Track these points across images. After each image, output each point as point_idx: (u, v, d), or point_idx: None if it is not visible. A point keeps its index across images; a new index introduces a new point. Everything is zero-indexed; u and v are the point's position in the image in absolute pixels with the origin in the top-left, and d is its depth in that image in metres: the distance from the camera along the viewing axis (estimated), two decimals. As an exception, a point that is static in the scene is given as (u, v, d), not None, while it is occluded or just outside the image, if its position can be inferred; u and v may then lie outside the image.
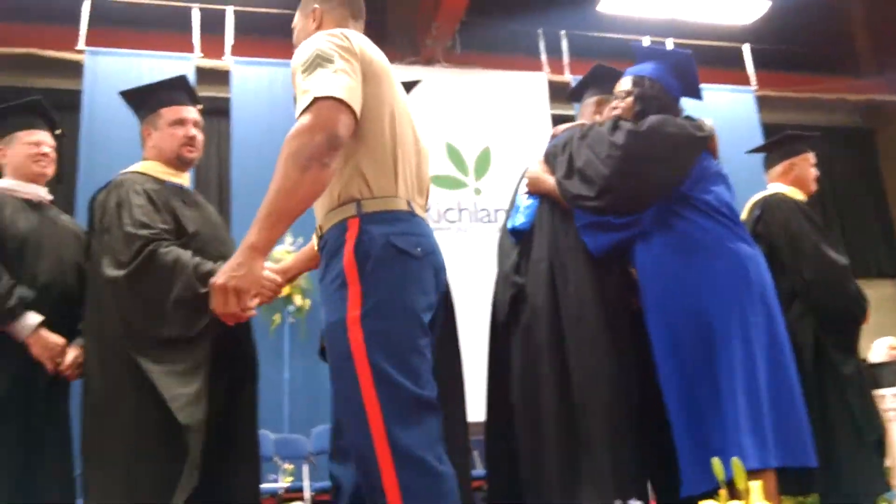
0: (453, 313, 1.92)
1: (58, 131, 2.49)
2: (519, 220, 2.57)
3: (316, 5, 1.92)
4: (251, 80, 6.64)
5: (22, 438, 2.14)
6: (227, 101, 6.66)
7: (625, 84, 2.55)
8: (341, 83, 1.57)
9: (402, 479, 1.44)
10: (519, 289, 2.41)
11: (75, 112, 6.37)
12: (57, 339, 2.19)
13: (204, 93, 6.66)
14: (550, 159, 2.58)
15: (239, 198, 6.21)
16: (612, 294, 2.34)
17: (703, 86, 2.59)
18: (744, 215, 3.01)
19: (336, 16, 1.90)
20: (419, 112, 2.57)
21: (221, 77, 6.70)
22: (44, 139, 2.41)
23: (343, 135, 1.56)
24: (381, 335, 1.54)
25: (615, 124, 2.42)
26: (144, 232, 2.05)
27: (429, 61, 7.16)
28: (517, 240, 2.54)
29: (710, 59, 7.20)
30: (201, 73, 6.55)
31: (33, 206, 2.37)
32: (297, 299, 5.85)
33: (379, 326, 1.54)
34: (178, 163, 2.31)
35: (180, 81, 2.39)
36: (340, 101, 1.56)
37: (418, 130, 1.81)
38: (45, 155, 2.39)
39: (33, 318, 2.15)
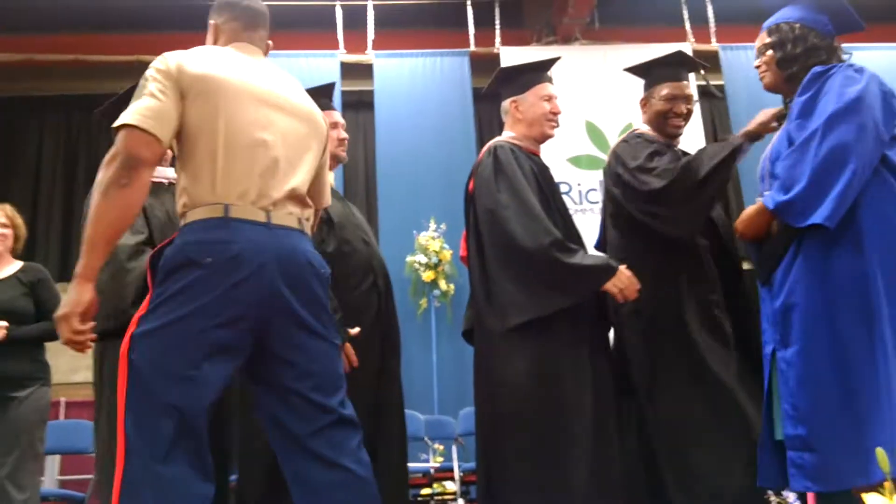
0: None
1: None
2: None
3: (212, 21, 1.99)
4: (392, 72, 6.81)
5: None
6: (370, 94, 6.86)
7: (760, 39, 2.23)
8: (141, 108, 1.66)
9: (126, 474, 1.51)
10: None
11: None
12: None
13: (348, 87, 6.92)
14: None
15: (384, 188, 6.41)
16: None
17: (864, 45, 2.31)
18: None
19: (228, 30, 1.95)
20: (559, 91, 2.57)
21: (365, 71, 6.91)
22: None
23: (139, 154, 1.64)
24: (149, 338, 1.59)
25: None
26: None
27: (566, 39, 7.04)
28: None
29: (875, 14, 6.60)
30: (345, 68, 6.80)
31: (165, 188, 2.54)
32: (442, 284, 5.97)
33: (149, 329, 1.60)
34: (333, 162, 2.46)
35: (328, 89, 2.55)
36: (133, 126, 1.64)
37: (298, 128, 1.83)
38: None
39: None
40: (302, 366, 1.67)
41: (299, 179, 1.78)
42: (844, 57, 2.12)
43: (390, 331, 2.38)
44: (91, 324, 1.64)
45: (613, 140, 6.64)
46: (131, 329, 1.62)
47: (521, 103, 2.49)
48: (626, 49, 6.84)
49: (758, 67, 2.22)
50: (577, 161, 6.55)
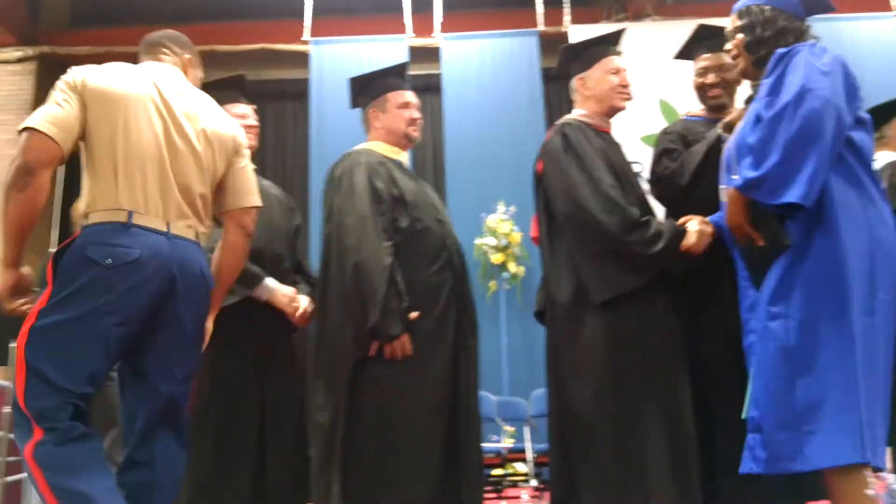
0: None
1: (254, 107, 2.75)
2: None
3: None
4: (460, 54, 6.80)
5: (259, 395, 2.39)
6: (438, 77, 6.87)
7: (731, 22, 2.14)
8: (44, 114, 1.79)
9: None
10: None
11: (304, 100, 6.91)
12: (289, 289, 2.44)
13: (416, 71, 6.95)
14: None
15: (453, 170, 6.43)
16: None
17: (840, 16, 2.16)
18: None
19: (142, 57, 2.11)
20: (631, 69, 2.53)
21: (432, 54, 6.92)
22: (249, 112, 2.65)
23: (35, 158, 1.75)
24: (45, 330, 1.71)
25: None
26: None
27: (637, 16, 6.89)
28: None
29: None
30: (414, 52, 6.82)
31: None
32: (512, 266, 5.96)
33: (47, 322, 1.70)
34: (405, 141, 2.50)
35: (402, 68, 2.58)
36: (35, 129, 1.76)
37: (186, 152, 1.88)
38: (251, 127, 2.63)
39: (271, 281, 2.40)
40: (170, 368, 1.84)
41: (196, 193, 1.88)
42: (812, 40, 2.03)
43: (466, 309, 2.38)
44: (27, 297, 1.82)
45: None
46: (30, 321, 1.73)
47: (588, 79, 2.45)
48: (700, 23, 6.63)
49: (727, 52, 2.16)
50: (650, 140, 6.41)
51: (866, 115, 1.97)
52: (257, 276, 2.34)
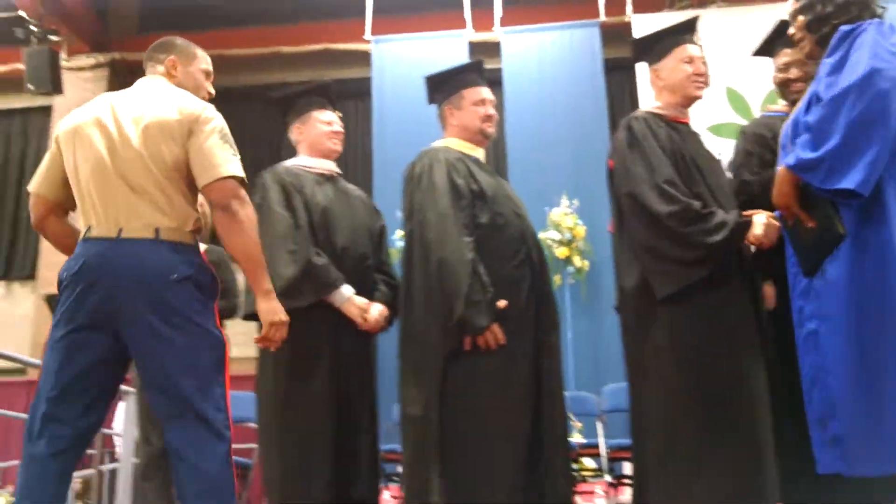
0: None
1: (337, 113, 2.77)
2: None
3: None
4: (521, 48, 6.76)
5: (335, 391, 2.41)
6: (498, 72, 6.85)
7: (792, 3, 2.05)
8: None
9: None
10: None
11: (367, 98, 6.98)
12: (363, 300, 2.45)
13: (477, 66, 6.95)
14: None
15: (515, 165, 6.39)
16: None
17: None
18: None
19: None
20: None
21: (492, 49, 6.90)
22: (335, 118, 2.68)
23: (33, 216, 2.05)
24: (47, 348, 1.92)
25: None
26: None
27: (702, 2, 6.74)
28: None
29: None
30: (474, 47, 6.81)
31: (327, 179, 2.65)
32: (577, 261, 5.90)
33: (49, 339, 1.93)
34: (481, 138, 2.51)
35: (478, 65, 2.59)
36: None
37: (129, 156, 1.92)
38: (336, 133, 2.66)
39: (347, 289, 2.42)
40: (151, 370, 1.87)
41: (152, 190, 1.92)
42: (879, 11, 1.90)
43: (547, 304, 2.39)
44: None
45: (756, 106, 6.30)
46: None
47: (661, 70, 2.42)
48: (767, 9, 6.45)
49: (792, 36, 2.06)
50: (717, 129, 6.26)
51: None
52: (330, 284, 2.35)
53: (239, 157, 1.97)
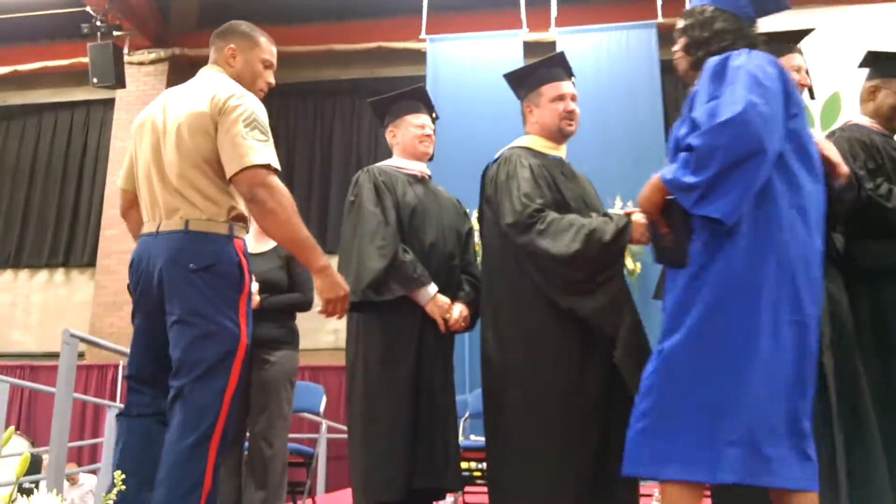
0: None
1: (434, 115, 2.78)
2: None
3: None
4: (576, 48, 6.71)
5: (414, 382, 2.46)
6: (553, 71, 6.83)
7: (679, 23, 2.07)
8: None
9: None
10: None
11: (421, 96, 7.02)
12: (446, 299, 2.48)
13: (531, 66, 6.95)
14: None
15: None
16: None
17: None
18: None
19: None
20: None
21: (548, 49, 6.87)
22: (427, 122, 2.71)
23: (120, 208, 2.19)
24: None
25: None
26: (528, 203, 2.25)
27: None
28: None
29: None
30: (528, 46, 6.80)
31: (418, 180, 2.69)
32: (629, 263, 5.88)
33: None
34: (559, 136, 2.47)
35: (559, 59, 2.56)
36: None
37: (167, 153, 1.99)
38: (428, 136, 2.69)
39: (432, 288, 2.45)
40: (170, 352, 1.93)
41: (186, 183, 1.95)
42: (756, 39, 1.96)
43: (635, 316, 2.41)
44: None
45: (816, 111, 6.20)
46: None
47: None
48: (831, 12, 6.35)
49: (674, 52, 2.09)
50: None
51: (801, 105, 1.91)
52: (416, 279, 2.38)
53: (269, 141, 1.94)
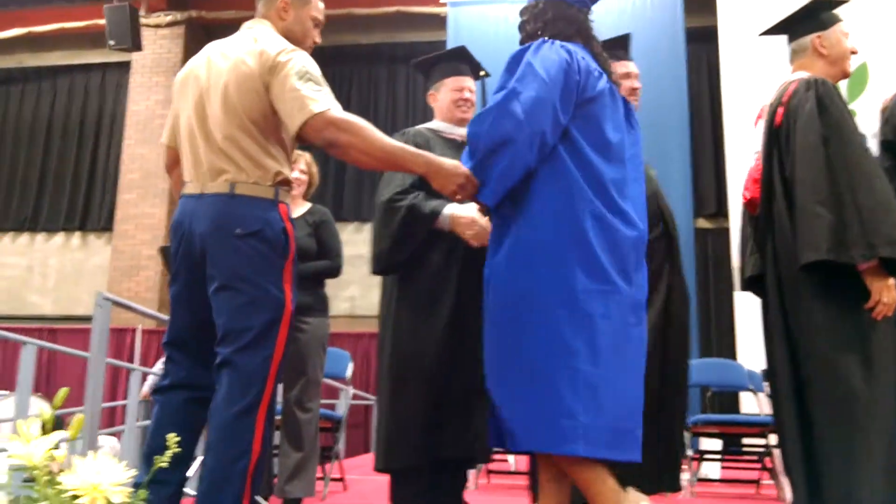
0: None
1: (482, 73, 2.71)
2: None
3: None
4: (599, 14, 6.59)
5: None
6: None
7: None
8: None
9: None
10: None
11: (440, 62, 6.95)
12: (470, 208, 2.40)
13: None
14: None
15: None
16: None
17: None
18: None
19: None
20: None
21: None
22: (467, 85, 2.64)
23: (165, 163, 2.16)
24: None
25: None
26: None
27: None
28: None
29: None
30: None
31: (457, 146, 2.65)
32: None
33: None
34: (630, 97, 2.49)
35: (624, 40, 2.58)
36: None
37: (212, 110, 1.93)
38: (466, 100, 2.63)
39: (449, 207, 2.37)
40: (214, 319, 1.89)
41: (231, 143, 1.91)
42: (591, 25, 2.01)
43: (680, 280, 2.39)
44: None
45: (843, 81, 6.08)
46: None
47: (826, 39, 2.37)
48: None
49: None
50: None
51: (603, 88, 1.90)
52: (428, 216, 2.32)
53: (325, 89, 1.90)
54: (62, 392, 1.49)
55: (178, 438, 1.53)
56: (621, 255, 1.82)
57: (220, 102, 1.91)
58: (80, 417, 1.46)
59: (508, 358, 1.82)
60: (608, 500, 1.70)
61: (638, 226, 1.87)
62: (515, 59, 1.88)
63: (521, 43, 1.98)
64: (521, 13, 2.05)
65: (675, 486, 2.38)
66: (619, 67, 2.45)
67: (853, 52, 2.35)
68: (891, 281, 1.98)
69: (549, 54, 1.84)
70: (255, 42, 1.94)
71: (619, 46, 2.57)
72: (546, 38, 1.89)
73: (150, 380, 5.99)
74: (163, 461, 1.43)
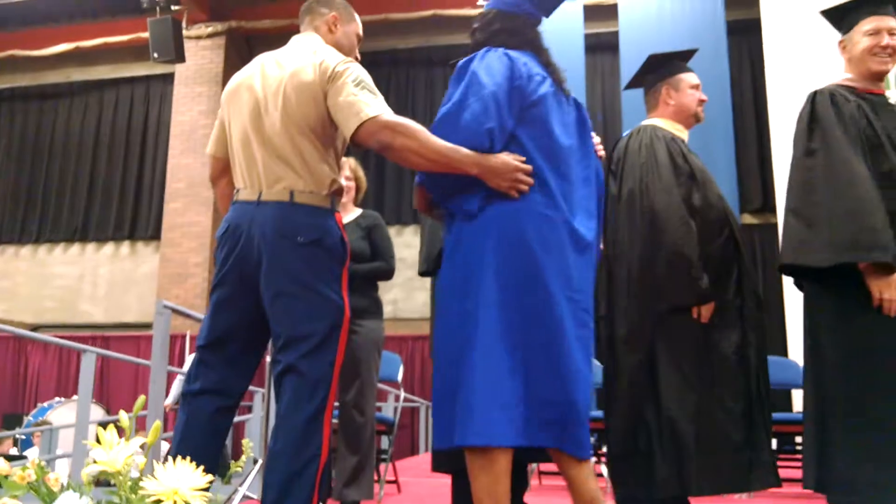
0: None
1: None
2: None
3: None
4: (638, 10, 6.59)
5: None
6: (614, 35, 6.71)
7: None
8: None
9: None
10: None
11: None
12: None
13: (591, 30, 6.82)
14: None
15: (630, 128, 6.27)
16: None
17: None
18: None
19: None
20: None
21: (608, 12, 6.76)
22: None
23: (210, 175, 2.18)
24: None
25: None
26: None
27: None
28: None
29: None
30: (588, 10, 6.68)
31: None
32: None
33: None
34: (693, 121, 2.49)
35: (691, 54, 2.57)
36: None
37: (269, 118, 1.96)
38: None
39: None
40: (274, 330, 1.92)
41: (290, 151, 1.95)
42: (531, 35, 1.99)
43: (749, 281, 2.38)
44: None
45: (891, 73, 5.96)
46: None
47: (847, 42, 2.33)
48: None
49: None
50: None
51: (546, 92, 1.89)
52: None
53: (380, 97, 1.93)
54: (141, 400, 1.54)
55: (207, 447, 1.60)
56: (565, 263, 1.85)
57: (281, 108, 1.95)
58: (158, 424, 1.50)
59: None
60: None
61: (584, 237, 1.90)
62: (462, 69, 1.91)
63: (469, 52, 2.00)
64: (475, 21, 2.08)
65: (771, 482, 2.33)
66: (692, 79, 2.52)
67: (882, 48, 2.27)
68: (891, 278, 2.00)
69: (492, 62, 1.87)
70: (314, 54, 1.99)
71: (684, 59, 2.58)
72: (490, 48, 1.91)
73: (175, 390, 6.00)
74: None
